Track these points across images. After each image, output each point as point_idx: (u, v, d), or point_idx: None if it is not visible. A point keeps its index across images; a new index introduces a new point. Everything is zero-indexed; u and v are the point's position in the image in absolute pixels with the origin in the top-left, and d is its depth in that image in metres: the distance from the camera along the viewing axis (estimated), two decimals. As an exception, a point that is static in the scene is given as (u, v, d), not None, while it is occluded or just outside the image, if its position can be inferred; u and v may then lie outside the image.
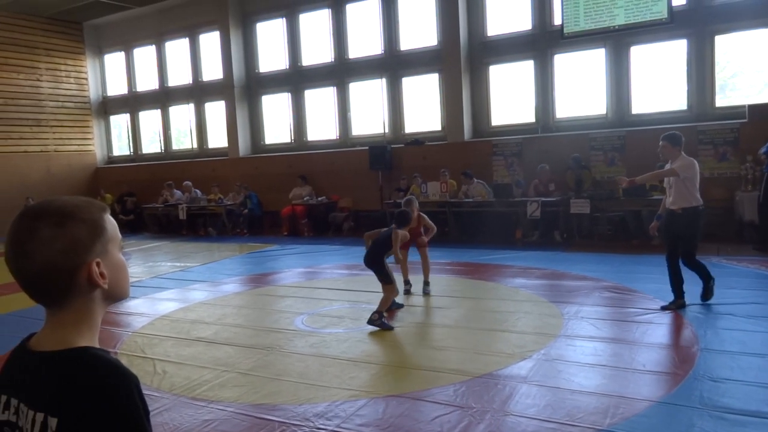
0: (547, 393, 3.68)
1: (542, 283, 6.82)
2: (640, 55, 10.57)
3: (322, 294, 6.76)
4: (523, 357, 4.32)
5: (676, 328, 4.85)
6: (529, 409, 3.46)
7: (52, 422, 0.98)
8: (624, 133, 10.16)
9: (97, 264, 1.06)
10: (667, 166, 5.50)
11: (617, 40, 10.51)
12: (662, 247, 8.51)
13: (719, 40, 9.94)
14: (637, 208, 9.11)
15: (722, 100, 10.12)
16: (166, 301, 6.92)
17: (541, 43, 11.13)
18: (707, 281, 5.47)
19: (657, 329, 4.84)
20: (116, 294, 1.12)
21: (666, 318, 5.13)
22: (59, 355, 1.03)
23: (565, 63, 11.17)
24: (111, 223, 1.11)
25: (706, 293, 5.47)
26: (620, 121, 10.60)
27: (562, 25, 10.63)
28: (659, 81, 10.68)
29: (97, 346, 1.08)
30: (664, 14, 9.80)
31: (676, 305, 5.36)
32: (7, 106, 14.98)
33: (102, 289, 1.08)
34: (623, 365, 4.08)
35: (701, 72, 10.01)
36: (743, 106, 9.50)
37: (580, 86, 11.17)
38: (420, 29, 12.38)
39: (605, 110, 10.80)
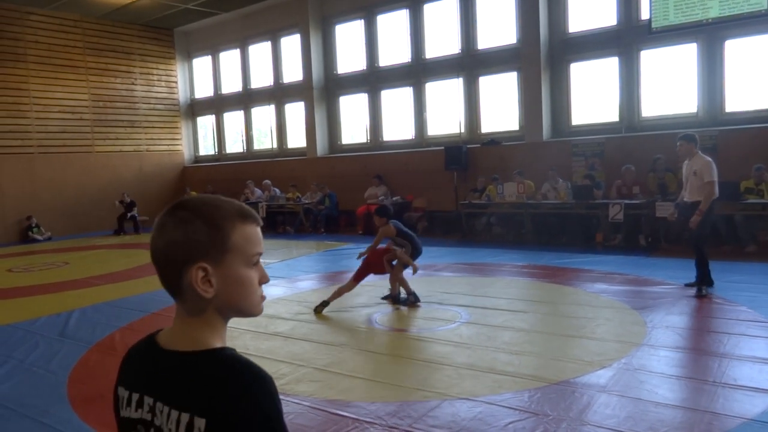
0: (628, 404, 3.53)
1: (624, 289, 6.55)
2: (736, 49, 9.92)
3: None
4: (602, 365, 4.17)
5: (773, 341, 4.53)
6: (608, 419, 3.34)
7: (200, 422, 0.98)
8: (716, 133, 9.57)
9: (204, 269, 1.04)
10: (686, 164, 6.29)
11: (710, 34, 9.92)
12: (756, 254, 8.01)
13: (827, 31, 9.18)
14: (730, 212, 8.56)
15: (829, 96, 9.34)
16: (246, 296, 7.16)
17: (627, 38, 10.68)
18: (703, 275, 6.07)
19: (750, 342, 4.54)
20: (230, 307, 1.09)
21: (761, 330, 4.80)
22: (200, 356, 1.04)
23: (652, 59, 10.67)
24: (243, 235, 1.07)
25: (699, 281, 6.06)
26: (712, 120, 10.00)
27: (650, 20, 10.15)
28: (756, 77, 9.99)
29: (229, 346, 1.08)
30: (764, 5, 9.15)
31: (699, 286, 6.05)
32: (106, 109, 16.04)
33: (214, 297, 1.06)
34: (712, 379, 3.85)
35: (806, 66, 9.28)
36: None
37: (669, 83, 10.63)
38: (499, 27, 12.19)
39: (696, 108, 10.23)
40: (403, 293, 6.26)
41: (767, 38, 9.68)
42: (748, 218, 8.49)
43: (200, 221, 1.05)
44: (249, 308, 1.11)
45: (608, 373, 4.04)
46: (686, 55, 10.29)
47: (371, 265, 6.22)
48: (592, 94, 11.47)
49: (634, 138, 10.45)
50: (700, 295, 5.92)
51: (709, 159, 6.14)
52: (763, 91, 9.93)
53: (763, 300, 5.63)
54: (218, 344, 1.06)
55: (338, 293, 6.14)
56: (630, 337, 4.78)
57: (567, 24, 11.37)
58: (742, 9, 9.36)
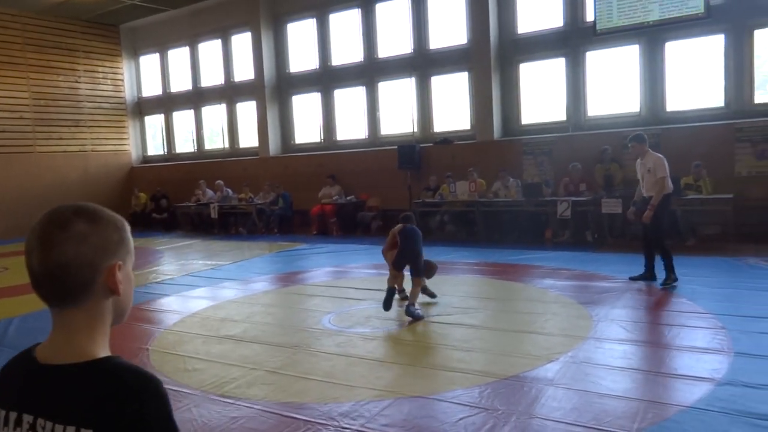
0: (574, 396, 3.64)
1: (571, 284, 6.74)
2: (676, 51, 10.32)
3: (350, 293, 6.79)
4: (550, 359, 4.27)
5: (710, 331, 4.73)
6: (555, 412, 3.43)
7: None
8: (659, 131, 9.93)
9: (119, 267, 1.07)
10: (638, 162, 6.65)
11: (652, 36, 10.29)
12: (696, 248, 8.36)
13: (758, 34, 9.64)
14: (671, 207, 8.88)
15: (762, 96, 9.82)
16: (197, 299, 7.05)
17: (573, 40, 10.97)
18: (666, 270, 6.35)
19: (690, 332, 4.73)
20: (123, 307, 1.12)
21: (699, 321, 5.01)
22: (83, 368, 1.02)
23: (597, 60, 10.99)
24: (131, 239, 1.14)
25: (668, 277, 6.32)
26: (654, 119, 10.38)
27: (594, 22, 10.46)
28: (695, 77, 10.42)
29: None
30: (701, 9, 9.56)
31: (646, 278, 6.54)
32: (48, 108, 15.45)
33: (114, 299, 1.08)
34: (653, 369, 4.01)
35: (739, 68, 9.73)
36: (784, 103, 9.21)
37: (613, 83, 10.97)
38: (449, 28, 12.32)
39: (639, 108, 10.59)
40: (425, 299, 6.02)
41: (705, 40, 10.10)
42: (688, 213, 8.86)
43: (109, 222, 1.08)
44: (128, 311, 1.15)
45: (555, 366, 4.14)
46: (629, 56, 10.64)
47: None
48: (541, 93, 11.73)
49: (580, 136, 10.74)
50: (666, 288, 6.19)
51: (661, 155, 6.50)
52: (702, 91, 10.36)
53: (702, 292, 5.89)
54: (103, 353, 1.06)
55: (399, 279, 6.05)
56: (576, 330, 4.92)
57: (516, 25, 11.59)
58: (681, 12, 9.74)
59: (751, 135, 9.23)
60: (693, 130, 9.72)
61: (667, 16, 9.86)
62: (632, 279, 6.60)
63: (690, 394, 3.58)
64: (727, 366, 3.94)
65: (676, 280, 6.27)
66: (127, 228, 1.12)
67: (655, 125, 10.18)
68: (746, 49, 9.67)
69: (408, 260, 5.82)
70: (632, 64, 10.60)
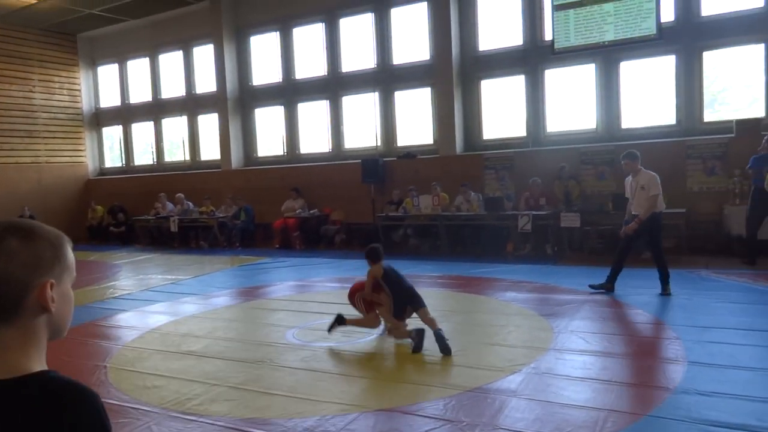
0: (536, 407, 3.70)
1: (533, 296, 6.86)
2: (630, 70, 10.70)
3: (314, 307, 6.75)
4: (513, 371, 4.33)
5: (665, 341, 4.88)
6: (518, 422, 3.48)
7: None
8: (613, 147, 10.25)
9: (51, 286, 1.06)
10: (629, 179, 6.68)
11: (607, 56, 10.64)
12: (651, 261, 8.56)
13: (707, 55, 10.09)
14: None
15: (711, 114, 10.25)
16: (156, 314, 6.90)
17: (532, 58, 11.25)
18: (666, 280, 6.48)
19: (646, 343, 4.88)
20: (58, 325, 1.11)
21: (655, 331, 5.17)
22: (17, 383, 1.01)
23: (555, 78, 11.30)
24: (71, 254, 1.12)
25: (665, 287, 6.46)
26: (610, 136, 10.71)
27: (552, 41, 10.76)
28: (648, 96, 10.81)
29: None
30: (653, 30, 9.95)
31: (606, 288, 6.62)
32: (0, 118, 14.95)
33: (48, 316, 1.07)
34: (612, 379, 4.10)
35: (690, 87, 10.15)
36: (731, 121, 9.63)
37: (571, 101, 11.29)
38: (413, 44, 12.49)
39: (595, 125, 10.91)
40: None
41: (657, 61, 10.51)
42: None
43: (43, 240, 1.07)
44: (67, 328, 1.14)
45: (518, 378, 4.20)
46: (586, 74, 10.98)
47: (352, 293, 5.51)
48: (502, 109, 11.97)
49: (540, 152, 10.99)
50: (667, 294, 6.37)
51: (654, 173, 6.53)
52: (655, 109, 10.76)
53: (657, 303, 6.08)
54: (38, 368, 1.06)
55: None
56: (538, 342, 5.00)
57: (477, 43, 11.83)
58: (635, 33, 10.12)
59: (701, 152, 9.61)
60: (646, 147, 10.02)
61: (622, 37, 10.23)
62: (592, 287, 6.71)
63: (647, 402, 3.68)
64: (682, 375, 4.07)
65: (670, 293, 6.42)
66: (66, 244, 1.11)
67: (610, 142, 10.50)
68: (696, 70, 10.10)
69: (410, 301, 5.16)
70: (589, 82, 10.94)
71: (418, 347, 4.87)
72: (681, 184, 9.58)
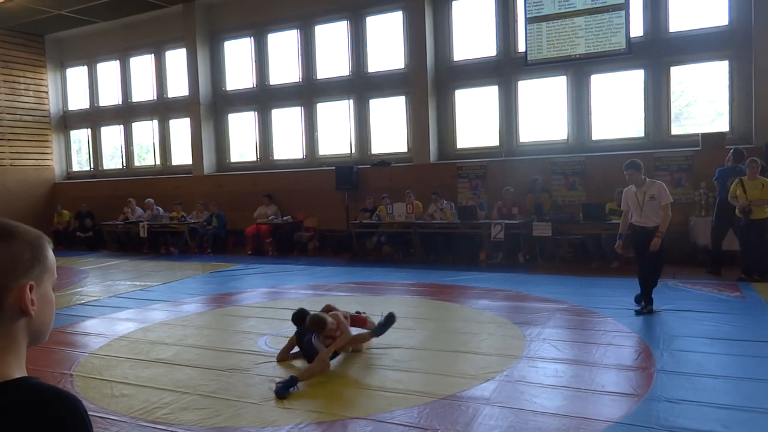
0: (509, 414, 3.72)
1: (505, 304, 6.91)
2: (600, 83, 10.93)
3: (287, 315, 6.62)
4: (486, 378, 4.36)
5: (634, 350, 4.97)
6: (492, 430, 3.49)
7: None
8: (584, 159, 10.45)
9: (31, 288, 1.03)
10: (630, 190, 6.25)
11: (578, 69, 10.85)
12: (620, 270, 8.76)
13: (674, 70, 10.37)
14: (596, 231, 9.34)
15: (677, 128, 10.52)
16: (124, 321, 6.75)
17: (506, 69, 11.41)
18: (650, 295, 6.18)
19: (616, 351, 4.95)
20: (39, 328, 1.07)
21: (624, 340, 5.25)
22: (1, 388, 0.99)
23: (528, 89, 11.47)
24: (52, 255, 1.09)
25: (646, 302, 6.19)
26: (581, 147, 10.90)
27: (525, 53, 10.93)
28: (618, 109, 11.06)
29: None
30: (623, 45, 10.18)
31: (648, 310, 6.14)
32: (-38, 118, 14.54)
33: (28, 319, 1.04)
34: (584, 386, 4.16)
35: (658, 101, 10.40)
36: (697, 135, 9.89)
37: (543, 112, 11.47)
38: (388, 52, 12.55)
39: (566, 135, 11.10)
40: None
41: (627, 74, 10.75)
42: (612, 237, 9.27)
43: (20, 241, 1.03)
44: (48, 331, 1.11)
45: (492, 385, 4.23)
46: (558, 86, 11.17)
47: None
48: (476, 119, 12.10)
49: (512, 162, 11.12)
50: (648, 312, 6.03)
51: (662, 182, 6.25)
52: (624, 121, 11.00)
53: (626, 312, 6.17)
54: (18, 374, 1.02)
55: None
56: (511, 350, 5.04)
57: (452, 53, 11.95)
58: (605, 47, 10.34)
59: (668, 164, 9.85)
60: (616, 158, 10.22)
61: (593, 50, 10.45)
62: (638, 314, 6.11)
63: (617, 409, 3.73)
64: (651, 383, 4.14)
65: (652, 311, 6.09)
66: (45, 245, 1.08)
67: (581, 153, 10.69)
68: (664, 84, 10.36)
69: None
70: (560, 94, 11.13)
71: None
72: (649, 195, 9.78)
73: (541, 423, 3.57)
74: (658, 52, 10.28)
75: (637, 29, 10.31)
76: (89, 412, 1.00)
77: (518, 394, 4.05)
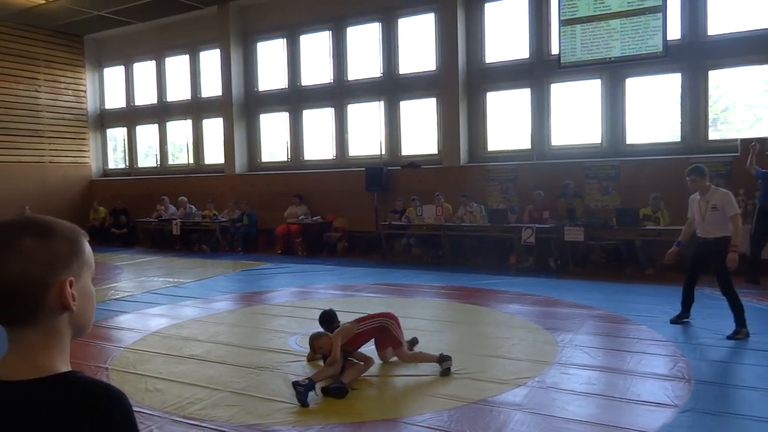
0: (541, 421, 3.67)
1: (536, 309, 6.83)
2: (635, 86, 10.74)
3: (316, 314, 6.66)
4: (517, 384, 4.31)
5: (670, 359, 4.86)
6: (524, 437, 3.45)
7: None
8: (618, 163, 10.27)
9: (70, 283, 1.03)
10: (695, 197, 5.85)
11: (613, 72, 10.68)
12: (654, 277, 8.60)
13: (712, 74, 10.12)
14: (630, 237, 9.17)
15: (714, 133, 10.27)
16: (157, 317, 6.87)
17: (538, 71, 11.29)
18: (740, 312, 5.51)
19: (651, 359, 4.85)
20: (81, 322, 1.09)
21: (660, 348, 5.14)
22: (45, 383, 1.00)
23: (561, 92, 11.33)
24: (89, 248, 1.09)
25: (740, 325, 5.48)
26: (614, 151, 10.72)
27: (559, 55, 10.80)
28: (653, 113, 10.85)
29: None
30: (659, 48, 9.99)
31: (680, 318, 5.97)
32: (6, 116, 14.97)
33: (70, 314, 1.05)
34: (617, 395, 4.08)
35: (695, 105, 10.17)
36: (735, 140, 9.65)
37: (576, 115, 11.32)
38: (419, 54, 12.54)
39: (600, 139, 10.93)
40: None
41: (663, 78, 10.54)
42: (647, 243, 9.12)
43: (57, 237, 1.04)
44: (91, 322, 1.12)
45: (523, 391, 4.18)
46: (592, 89, 11.01)
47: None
48: (507, 122, 12.00)
49: (544, 165, 10.99)
50: (736, 338, 5.36)
51: (727, 190, 5.79)
52: (659, 126, 10.79)
53: (661, 320, 6.05)
54: (64, 368, 1.04)
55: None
56: (543, 356, 4.98)
57: (484, 55, 11.87)
58: (641, 50, 10.16)
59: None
60: (651, 163, 10.07)
61: (628, 53, 10.27)
62: (673, 322, 5.93)
63: (653, 420, 3.66)
64: (688, 393, 4.05)
65: (747, 334, 5.39)
66: (82, 239, 1.08)
67: (615, 157, 10.52)
68: (701, 88, 10.13)
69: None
70: (594, 97, 10.97)
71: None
72: (685, 202, 9.52)
73: (573, 431, 3.52)
74: (696, 56, 10.05)
75: (674, 32, 10.10)
76: (128, 398, 1.02)
77: (550, 401, 4.00)
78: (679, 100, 10.35)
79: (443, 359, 4.61)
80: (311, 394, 4.10)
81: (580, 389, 4.22)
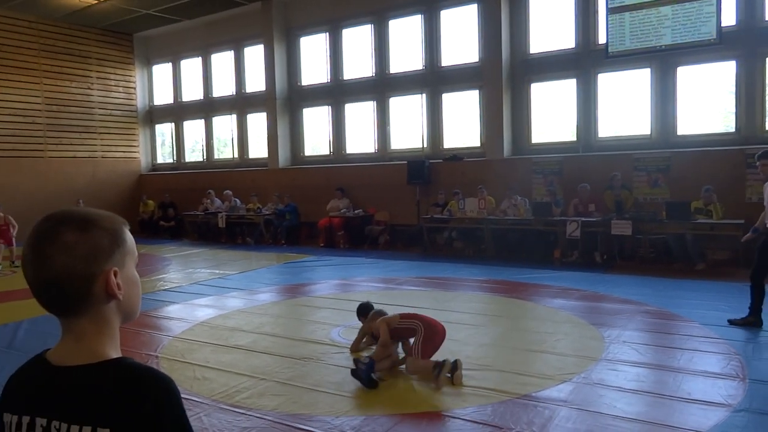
0: (588, 417, 3.60)
1: (582, 304, 6.70)
2: (687, 75, 10.37)
3: (359, 307, 6.75)
4: (563, 380, 4.24)
5: (723, 356, 4.69)
6: (569, 433, 3.40)
7: None
8: (669, 154, 9.95)
9: (115, 273, 1.06)
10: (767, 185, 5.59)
11: (663, 60, 10.33)
12: (705, 272, 8.32)
13: (770, 62, 9.68)
14: (681, 231, 8.88)
15: (771, 123, 9.83)
16: (204, 308, 7.04)
17: (585, 61, 11.02)
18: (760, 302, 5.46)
19: (703, 357, 4.70)
20: (128, 309, 1.12)
21: (712, 346, 4.97)
22: (97, 368, 1.04)
23: (608, 82, 11.04)
24: (130, 236, 1.12)
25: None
26: (665, 142, 10.39)
27: (606, 44, 10.52)
28: (706, 102, 10.45)
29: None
30: (713, 35, 9.61)
31: (746, 321, 5.48)
32: (60, 113, 15.56)
33: (117, 302, 1.08)
34: (668, 393, 3.97)
35: (751, 94, 9.76)
36: (795, 130, 9.22)
37: (624, 106, 11.01)
38: (461, 46, 12.41)
39: (649, 130, 10.61)
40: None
41: (717, 66, 10.15)
42: (698, 237, 8.82)
43: (98, 229, 1.06)
44: (138, 308, 1.15)
45: (568, 387, 4.11)
46: (641, 79, 10.68)
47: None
48: (551, 113, 11.77)
49: (590, 157, 10.75)
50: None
51: None
52: (712, 115, 10.39)
53: (712, 317, 5.85)
54: (115, 354, 1.08)
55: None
56: (588, 351, 4.88)
57: (528, 45, 11.66)
58: (693, 37, 9.80)
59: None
60: (703, 155, 9.72)
61: (680, 41, 9.92)
62: (731, 323, 5.54)
63: (705, 419, 3.54)
64: (742, 392, 3.90)
65: (761, 323, 5.33)
66: (122, 228, 1.10)
67: (665, 148, 10.19)
68: (758, 76, 9.70)
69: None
70: (643, 87, 10.64)
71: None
72: (739, 194, 9.23)
73: (621, 428, 3.44)
74: (753, 42, 9.63)
75: (729, 18, 9.70)
76: (176, 384, 1.05)
77: (597, 397, 3.92)
78: (733, 89, 9.94)
79: (436, 366, 4.26)
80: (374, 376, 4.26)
81: (628, 386, 4.12)
